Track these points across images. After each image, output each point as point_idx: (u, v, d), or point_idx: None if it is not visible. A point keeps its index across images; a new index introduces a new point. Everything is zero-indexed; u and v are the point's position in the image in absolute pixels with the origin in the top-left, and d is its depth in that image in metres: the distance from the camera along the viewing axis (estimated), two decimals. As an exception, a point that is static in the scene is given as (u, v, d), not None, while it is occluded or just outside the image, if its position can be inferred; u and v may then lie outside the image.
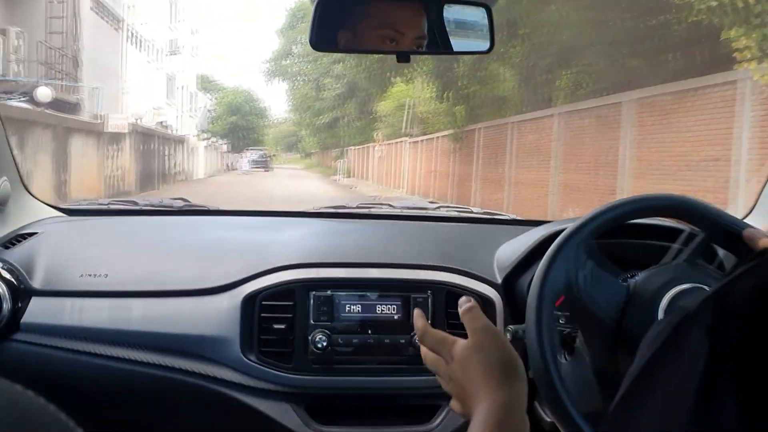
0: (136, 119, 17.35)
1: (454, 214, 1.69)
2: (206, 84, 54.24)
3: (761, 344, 0.39)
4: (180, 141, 22.82)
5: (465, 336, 0.78)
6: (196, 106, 34.91)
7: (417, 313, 0.85)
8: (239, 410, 1.22)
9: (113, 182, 14.28)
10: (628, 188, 8.70)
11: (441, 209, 1.73)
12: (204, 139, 30.64)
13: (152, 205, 1.68)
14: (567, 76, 12.89)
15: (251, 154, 37.75)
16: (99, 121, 13.75)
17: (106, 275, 1.28)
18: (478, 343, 0.75)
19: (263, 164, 38.86)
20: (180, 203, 1.69)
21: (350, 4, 1.13)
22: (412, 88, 23.67)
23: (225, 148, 37.45)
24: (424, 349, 0.82)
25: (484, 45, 1.14)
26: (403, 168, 22.95)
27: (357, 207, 1.76)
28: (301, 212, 1.73)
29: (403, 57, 1.10)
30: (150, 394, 1.27)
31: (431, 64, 15.70)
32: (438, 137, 18.55)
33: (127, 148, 15.16)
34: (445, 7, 1.13)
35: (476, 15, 1.13)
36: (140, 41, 22.16)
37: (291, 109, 54.13)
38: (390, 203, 1.78)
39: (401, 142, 23.39)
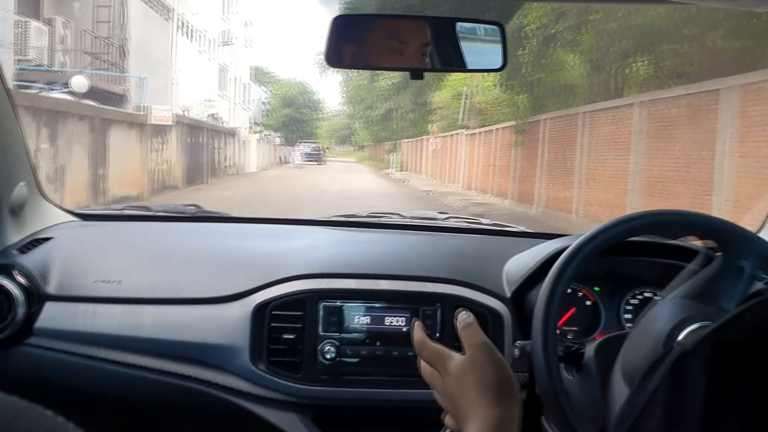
0: (184, 111, 16.84)
1: (464, 225, 1.71)
2: (261, 76, 54.20)
3: (758, 382, 0.40)
4: (231, 134, 22.28)
5: None
6: (249, 99, 34.57)
7: (415, 324, 0.84)
8: (247, 419, 1.22)
9: (158, 176, 13.74)
10: (728, 187, 7.46)
11: (450, 220, 1.74)
12: (256, 132, 30.26)
13: (165, 211, 1.70)
14: (645, 62, 11.61)
15: (304, 147, 37.32)
16: (142, 112, 13.10)
17: (119, 282, 1.29)
18: (474, 360, 0.75)
19: (316, 157, 38.36)
20: (193, 209, 1.71)
21: (362, 22, 1.17)
22: (471, 77, 22.55)
23: (278, 141, 37.12)
24: (421, 362, 0.82)
25: (497, 62, 1.14)
26: (459, 162, 21.87)
27: (367, 216, 1.76)
28: (312, 221, 1.73)
29: (416, 74, 1.12)
30: (160, 401, 1.27)
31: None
32: (498, 129, 17.39)
33: (173, 140, 14.60)
34: (458, 24, 1.13)
35: (489, 33, 1.14)
36: (191, 31, 21.77)
37: (344, 101, 53.81)
38: (400, 213, 1.80)
39: (457, 134, 22.30)
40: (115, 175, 11.29)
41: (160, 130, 13.75)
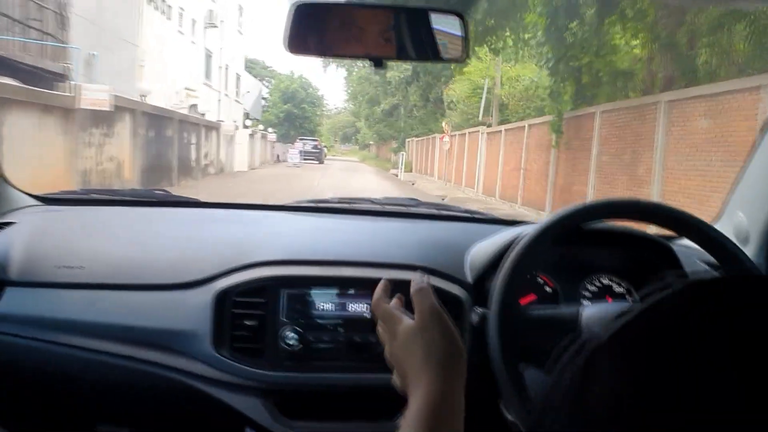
0: (142, 96, 13.68)
1: (435, 212, 1.70)
2: (260, 70, 51.29)
3: (665, 374, 0.40)
4: (212, 127, 19.04)
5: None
6: (243, 91, 31.44)
7: (381, 282, 0.84)
8: (210, 404, 1.22)
9: (98, 177, 10.35)
10: None
11: (422, 207, 1.73)
12: (248, 127, 27.15)
13: (132, 196, 1.68)
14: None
15: (302, 145, 34.14)
16: (70, 93, 9.66)
17: (82, 267, 1.28)
18: (423, 325, 0.75)
19: (316, 156, 35.48)
20: (161, 194, 1.70)
21: (325, 9, 1.13)
22: (492, 66, 19.49)
23: (274, 137, 34.10)
24: (379, 321, 0.82)
25: (458, 52, 1.14)
26: (478, 163, 18.77)
27: (338, 202, 1.76)
28: (282, 206, 1.71)
29: (378, 63, 1.11)
30: (123, 386, 1.27)
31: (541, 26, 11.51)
32: (530, 125, 14.29)
33: (125, 133, 11.40)
34: (420, 13, 1.13)
35: (451, 23, 1.14)
36: (167, 7, 18.66)
37: (348, 97, 50.95)
38: (371, 199, 1.78)
39: (475, 132, 19.21)
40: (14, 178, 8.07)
41: (103, 119, 10.41)
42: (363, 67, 36.34)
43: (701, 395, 0.38)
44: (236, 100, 30.05)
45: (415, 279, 0.79)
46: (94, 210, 1.59)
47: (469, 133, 20.26)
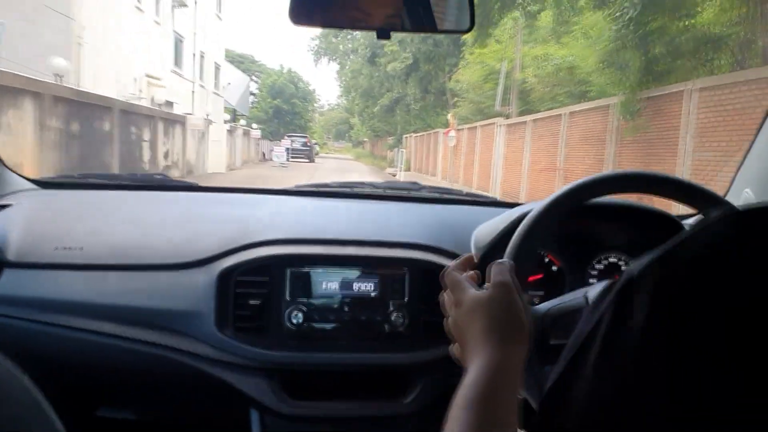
0: (57, 76, 10.33)
1: (437, 195, 1.68)
2: (250, 65, 48.06)
3: (698, 310, 0.38)
4: (174, 121, 15.55)
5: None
6: (220, 83, 28.06)
7: (465, 255, 0.86)
8: (213, 384, 1.21)
9: None
10: None
11: (423, 191, 1.70)
12: (228, 122, 23.89)
13: (131, 180, 1.65)
14: None
15: (290, 142, 30.83)
16: None
17: (81, 248, 1.26)
18: (492, 297, 0.74)
19: (305, 154, 32.27)
20: (160, 178, 1.68)
21: None
22: (511, 46, 16.35)
23: (258, 134, 30.83)
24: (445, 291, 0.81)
25: (465, 23, 1.09)
26: (494, 162, 15.63)
27: (339, 186, 1.72)
28: (282, 190, 1.68)
29: (383, 34, 1.07)
30: (124, 367, 1.25)
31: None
32: (570, 113, 11.16)
33: (27, 123, 8.14)
34: None
35: None
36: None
37: (342, 92, 47.63)
38: (373, 183, 1.76)
39: (490, 125, 16.09)
40: None
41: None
42: (355, 57, 33.30)
43: (734, 331, 0.36)
44: (215, 93, 26.70)
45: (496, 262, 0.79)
46: (92, 193, 1.56)
47: (481, 126, 17.11)
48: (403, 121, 31.82)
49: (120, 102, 11.86)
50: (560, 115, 11.55)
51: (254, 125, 33.19)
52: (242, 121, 29.34)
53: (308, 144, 33.56)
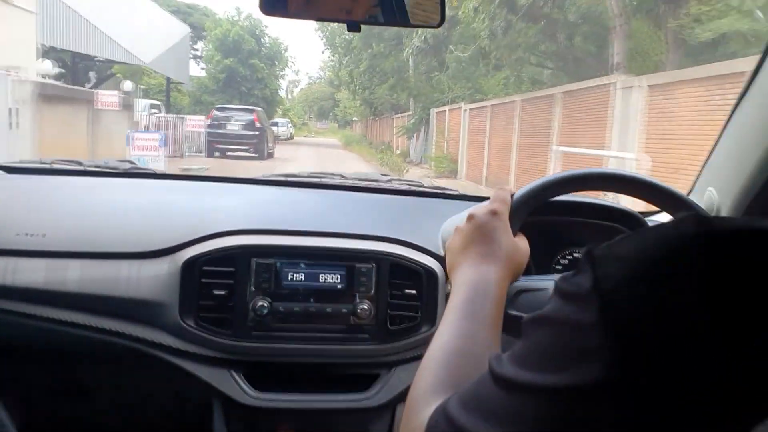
0: None
1: (405, 187, 1.69)
2: (200, 17, 35.85)
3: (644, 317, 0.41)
4: None
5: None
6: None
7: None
8: (177, 375, 1.21)
9: None
10: None
11: (393, 182, 1.72)
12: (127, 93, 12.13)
13: (97, 166, 1.63)
14: None
15: (216, 123, 18.37)
16: None
17: (44, 235, 1.25)
18: (473, 219, 0.80)
19: (251, 144, 18.76)
20: (127, 165, 1.65)
21: None
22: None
23: (158, 110, 18.68)
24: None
25: (436, 19, 1.12)
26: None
27: (308, 176, 1.71)
28: (249, 179, 1.68)
29: (354, 27, 1.09)
30: (86, 357, 1.26)
31: None
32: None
33: None
34: None
35: None
36: None
37: (326, 44, 34.68)
38: (342, 174, 1.74)
39: (605, 86, 6.82)
40: None
41: None
42: None
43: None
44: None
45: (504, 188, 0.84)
46: (56, 179, 1.55)
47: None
48: (419, 85, 20.08)
49: None
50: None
51: (153, 102, 20.64)
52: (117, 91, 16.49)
53: (258, 125, 18.89)
